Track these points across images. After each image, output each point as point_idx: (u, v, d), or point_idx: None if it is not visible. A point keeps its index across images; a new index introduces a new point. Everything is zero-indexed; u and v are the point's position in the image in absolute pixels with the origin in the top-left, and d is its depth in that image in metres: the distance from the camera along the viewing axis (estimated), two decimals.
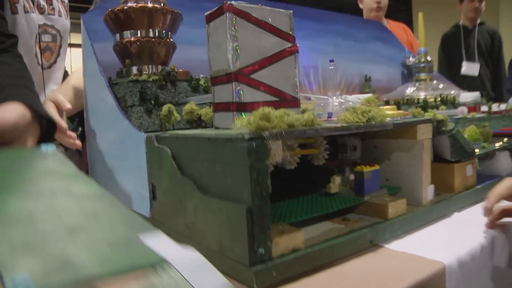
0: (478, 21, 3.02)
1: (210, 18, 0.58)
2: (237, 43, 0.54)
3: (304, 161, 0.63)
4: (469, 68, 2.96)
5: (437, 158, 0.67)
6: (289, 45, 0.60)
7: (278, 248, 0.41)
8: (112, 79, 0.80)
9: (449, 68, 3.02)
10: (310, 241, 0.45)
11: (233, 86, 0.54)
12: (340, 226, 0.52)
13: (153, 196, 0.59)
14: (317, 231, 0.50)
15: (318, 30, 1.48)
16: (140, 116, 0.71)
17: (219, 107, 0.57)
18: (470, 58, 2.99)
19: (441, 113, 0.66)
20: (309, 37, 1.46)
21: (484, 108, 1.29)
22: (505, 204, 0.56)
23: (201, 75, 0.88)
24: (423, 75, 1.51)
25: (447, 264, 0.44)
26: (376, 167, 0.57)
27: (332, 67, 0.80)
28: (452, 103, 1.36)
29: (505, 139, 0.85)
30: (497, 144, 0.81)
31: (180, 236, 0.52)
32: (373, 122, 0.50)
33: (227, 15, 0.54)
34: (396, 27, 2.45)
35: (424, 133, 0.58)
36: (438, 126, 0.62)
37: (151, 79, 0.76)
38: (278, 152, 0.40)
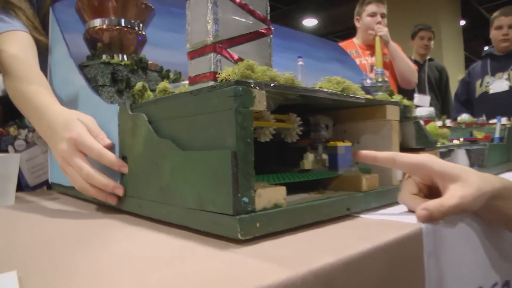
0: (428, 57, 3.25)
1: None
2: (217, 16, 0.55)
3: (276, 143, 0.64)
4: (421, 100, 3.15)
5: (402, 148, 0.70)
6: (265, 27, 0.62)
7: (261, 200, 0.40)
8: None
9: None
10: (291, 203, 0.45)
11: (212, 57, 0.54)
12: (316, 195, 0.52)
13: (122, 174, 0.57)
14: (295, 198, 0.50)
15: (280, 46, 1.53)
16: (111, 96, 0.69)
17: (195, 79, 0.57)
18: (422, 91, 3.19)
19: None
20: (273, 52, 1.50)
21: (438, 123, 1.37)
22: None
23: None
24: (380, 95, 1.59)
25: (424, 226, 0.45)
26: (349, 143, 0.58)
27: (300, 63, 0.82)
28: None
29: (461, 139, 0.91)
30: (455, 141, 0.86)
31: (151, 205, 0.50)
32: (348, 93, 0.52)
33: None
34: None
35: (392, 114, 0.61)
36: (404, 111, 0.65)
37: (123, 63, 0.75)
38: (261, 100, 0.40)
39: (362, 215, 0.51)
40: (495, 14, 2.64)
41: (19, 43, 0.87)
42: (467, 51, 6.97)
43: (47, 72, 0.91)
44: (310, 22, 8.08)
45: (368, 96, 0.58)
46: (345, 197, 0.49)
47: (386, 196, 0.57)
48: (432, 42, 3.15)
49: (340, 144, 0.56)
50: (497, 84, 2.66)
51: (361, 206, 0.52)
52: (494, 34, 2.63)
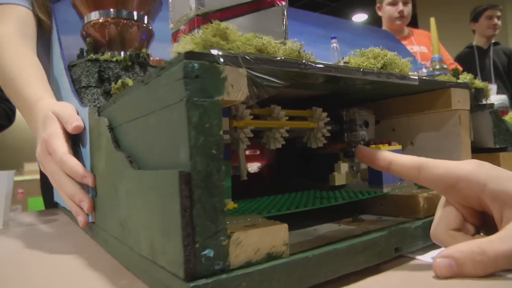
0: (493, 40, 2.90)
1: None
2: None
3: (299, 150, 0.47)
4: None
5: (474, 149, 0.51)
6: None
7: (241, 251, 0.24)
8: None
9: None
10: (301, 246, 0.29)
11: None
12: (349, 227, 0.35)
13: (95, 191, 0.44)
14: (313, 233, 0.34)
15: (322, 36, 1.35)
16: (95, 99, 0.56)
17: None
18: (486, 79, 2.84)
19: None
20: (313, 43, 1.32)
21: None
22: None
23: None
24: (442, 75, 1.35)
25: None
26: (398, 146, 0.41)
27: (334, 45, 0.65)
28: None
29: None
30: None
31: (114, 243, 0.36)
32: (392, 71, 0.34)
33: None
34: (422, 36, 2.30)
35: (460, 100, 0.42)
36: (476, 96, 0.46)
37: (114, 59, 0.62)
38: (239, 85, 0.24)
39: (418, 257, 0.33)
40: None
41: (16, 21, 0.76)
42: None
43: (50, 70, 0.81)
44: (360, 17, 7.75)
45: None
46: (392, 231, 0.32)
47: None
48: (500, 21, 2.80)
49: (385, 148, 0.39)
50: None
51: (417, 243, 0.34)
52: None
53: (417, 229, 0.34)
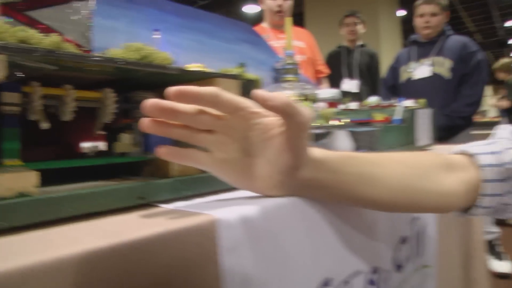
0: (361, 42, 3.27)
1: None
2: None
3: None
4: (349, 85, 3.19)
5: None
6: None
7: None
8: None
9: (332, 85, 3.21)
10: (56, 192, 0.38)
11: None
12: (110, 183, 0.45)
13: None
14: (71, 187, 0.43)
15: (180, 25, 1.44)
16: None
17: None
18: (350, 76, 3.23)
19: None
20: (170, 31, 1.40)
21: (342, 106, 1.36)
22: None
23: None
24: (289, 77, 1.54)
25: (220, 217, 0.37)
26: None
27: (156, 36, 0.74)
28: (312, 101, 1.41)
29: (342, 120, 0.87)
30: (332, 122, 0.81)
31: None
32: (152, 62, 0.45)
33: None
34: (300, 32, 2.52)
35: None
36: (248, 86, 0.59)
37: None
38: None
39: (162, 205, 0.45)
40: (418, 2, 2.69)
41: None
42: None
43: None
44: (251, 8, 7.84)
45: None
46: (137, 185, 0.43)
47: (205, 183, 0.50)
48: (358, 27, 3.20)
49: None
50: (420, 70, 2.71)
51: (162, 195, 0.45)
52: (417, 21, 2.68)
53: (164, 184, 0.46)
